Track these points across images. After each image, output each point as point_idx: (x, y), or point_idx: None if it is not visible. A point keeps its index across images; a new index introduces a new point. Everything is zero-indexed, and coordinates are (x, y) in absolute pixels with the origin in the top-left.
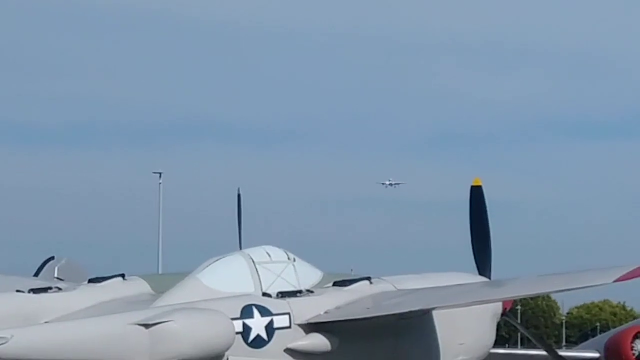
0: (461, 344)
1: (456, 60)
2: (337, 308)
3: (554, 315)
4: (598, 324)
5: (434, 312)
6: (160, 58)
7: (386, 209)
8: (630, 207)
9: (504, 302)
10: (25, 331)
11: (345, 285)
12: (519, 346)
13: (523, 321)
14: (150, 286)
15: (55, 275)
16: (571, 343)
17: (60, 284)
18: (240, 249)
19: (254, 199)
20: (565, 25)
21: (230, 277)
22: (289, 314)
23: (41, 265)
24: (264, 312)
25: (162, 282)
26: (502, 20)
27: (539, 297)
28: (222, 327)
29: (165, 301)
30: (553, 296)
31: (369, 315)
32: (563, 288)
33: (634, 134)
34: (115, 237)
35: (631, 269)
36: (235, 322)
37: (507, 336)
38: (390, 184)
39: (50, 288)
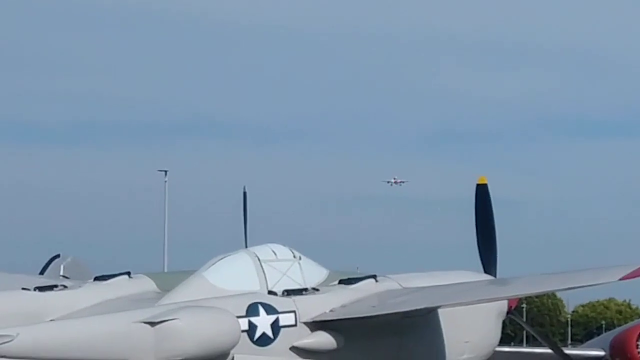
0: (466, 342)
1: (456, 59)
2: (343, 306)
3: (560, 313)
4: (603, 322)
5: (439, 310)
6: (164, 57)
7: (391, 207)
8: (631, 206)
9: (510, 300)
10: (31, 329)
11: (351, 284)
12: (525, 344)
13: (528, 319)
14: (156, 284)
15: (61, 273)
16: (577, 341)
17: (66, 282)
18: (246, 247)
19: (260, 198)
20: (565, 25)
21: (235, 275)
22: (294, 312)
23: (47, 264)
24: (270, 310)
25: (167, 280)
26: (502, 19)
27: (544, 295)
28: (227, 325)
29: (171, 299)
30: (558, 294)
31: (374, 313)
32: (568, 286)
33: (633, 133)
34: (121, 235)
35: (637, 267)
36: (240, 320)
37: (512, 334)
38: (395, 182)
39: (55, 286)
